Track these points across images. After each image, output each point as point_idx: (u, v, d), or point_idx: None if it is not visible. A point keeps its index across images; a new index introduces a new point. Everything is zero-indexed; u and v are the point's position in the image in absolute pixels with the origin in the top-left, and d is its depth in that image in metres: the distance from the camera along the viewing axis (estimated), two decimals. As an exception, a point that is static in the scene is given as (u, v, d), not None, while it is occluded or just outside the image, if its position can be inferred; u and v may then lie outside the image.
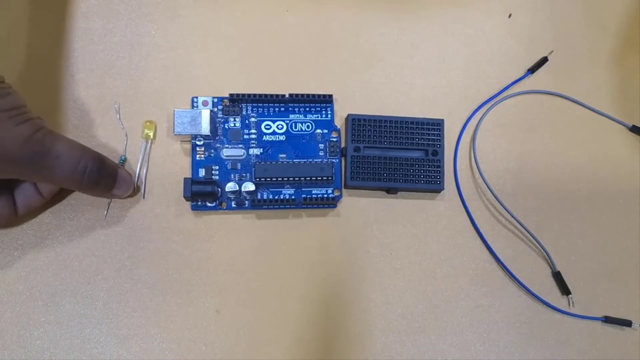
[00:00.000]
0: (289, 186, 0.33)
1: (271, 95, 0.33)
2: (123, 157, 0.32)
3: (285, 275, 0.32)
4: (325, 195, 0.33)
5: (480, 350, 0.32)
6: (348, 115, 0.34)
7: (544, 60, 0.37)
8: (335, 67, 0.35)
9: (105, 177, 0.29)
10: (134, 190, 0.32)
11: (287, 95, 0.33)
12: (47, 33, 0.34)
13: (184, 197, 0.32)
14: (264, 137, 0.33)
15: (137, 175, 0.32)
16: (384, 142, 0.33)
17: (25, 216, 0.31)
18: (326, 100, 0.34)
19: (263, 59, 0.35)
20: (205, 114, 0.32)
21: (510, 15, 0.37)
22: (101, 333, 0.31)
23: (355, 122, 0.33)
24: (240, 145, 0.33)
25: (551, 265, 0.34)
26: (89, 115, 0.33)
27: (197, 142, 0.33)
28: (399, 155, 0.33)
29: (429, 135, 0.34)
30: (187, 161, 0.33)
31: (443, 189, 0.34)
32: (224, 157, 0.33)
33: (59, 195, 0.31)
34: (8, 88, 0.26)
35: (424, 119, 0.34)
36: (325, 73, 0.35)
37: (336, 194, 0.33)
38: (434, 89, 0.36)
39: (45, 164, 0.27)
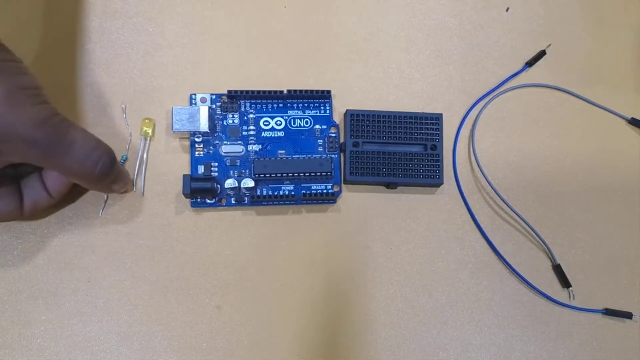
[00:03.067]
0: (288, 182, 0.33)
1: (269, 92, 0.33)
2: (125, 156, 0.32)
3: (285, 271, 0.32)
4: (325, 191, 0.33)
5: (481, 343, 0.32)
6: (346, 110, 0.34)
7: (542, 53, 0.37)
8: (334, 63, 0.35)
9: (114, 172, 0.29)
10: (130, 185, 0.32)
11: (285, 92, 0.33)
12: (45, 32, 0.34)
13: (183, 194, 0.32)
14: (263, 134, 0.33)
15: (136, 172, 0.32)
16: (383, 137, 0.33)
17: (32, 214, 0.30)
18: (324, 96, 0.34)
19: (261, 56, 0.35)
20: (204, 111, 0.32)
21: (508, 9, 0.37)
22: (102, 331, 0.31)
23: (354, 118, 0.33)
24: (239, 142, 0.33)
25: (551, 258, 0.34)
26: (87, 113, 0.33)
27: (196, 139, 0.33)
28: (398, 150, 0.33)
29: (427, 130, 0.34)
30: (186, 158, 0.33)
31: (442, 183, 0.34)
32: (223, 154, 0.33)
33: (68, 197, 0.31)
34: (26, 68, 0.26)
35: (423, 113, 0.34)
36: (323, 69, 0.35)
37: (335, 189, 0.33)
38: (432, 84, 0.36)
39: (58, 150, 0.26)
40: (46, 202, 0.29)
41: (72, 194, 0.31)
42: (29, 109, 0.25)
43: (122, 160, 0.32)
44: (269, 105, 0.34)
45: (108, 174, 0.28)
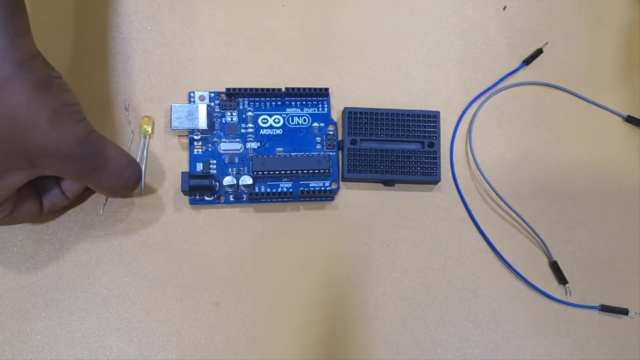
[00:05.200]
0: (286, 179, 0.33)
1: (268, 90, 0.33)
2: None
3: (283, 267, 0.32)
4: (323, 188, 0.33)
5: (478, 339, 0.33)
6: (344, 108, 0.34)
7: (539, 51, 0.37)
8: (332, 61, 0.35)
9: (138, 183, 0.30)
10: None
11: (283, 90, 0.33)
12: (43, 31, 0.34)
13: (182, 191, 0.32)
14: (261, 131, 0.33)
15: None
16: (381, 134, 0.34)
17: (49, 215, 0.31)
18: (322, 94, 0.34)
19: (259, 54, 0.35)
20: (202, 109, 0.32)
21: (505, 8, 0.38)
22: (101, 327, 0.31)
23: (352, 115, 0.34)
24: (238, 139, 0.33)
25: (548, 255, 0.34)
26: (86, 112, 0.33)
27: (195, 137, 0.33)
28: (395, 148, 0.34)
29: (425, 128, 0.34)
30: (184, 156, 0.33)
31: (440, 180, 0.34)
32: (222, 151, 0.33)
33: (82, 197, 0.31)
34: (67, 84, 0.26)
35: (420, 111, 0.34)
36: (321, 67, 0.35)
37: (333, 186, 0.33)
38: (430, 82, 0.36)
39: (94, 167, 0.27)
40: (62, 203, 0.30)
41: (86, 193, 0.32)
42: (72, 127, 0.25)
43: None
44: (267, 103, 0.34)
45: (137, 186, 0.30)
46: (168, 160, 0.33)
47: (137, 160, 0.33)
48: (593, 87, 0.37)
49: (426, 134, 0.34)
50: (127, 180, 0.29)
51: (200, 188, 0.32)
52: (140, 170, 0.30)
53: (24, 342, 0.30)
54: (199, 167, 0.33)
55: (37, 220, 0.31)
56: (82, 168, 0.26)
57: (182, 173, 0.32)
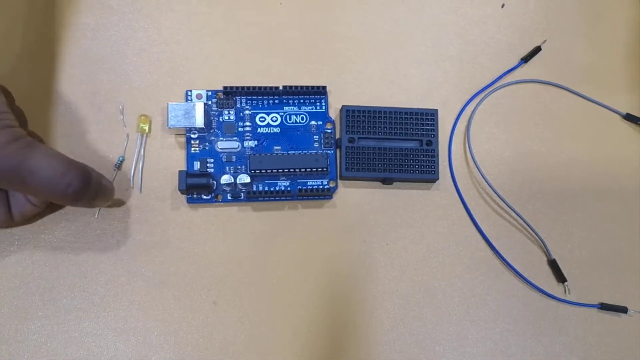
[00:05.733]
0: (284, 178, 0.33)
1: (265, 88, 0.33)
2: (121, 158, 0.32)
3: (281, 266, 0.32)
4: (321, 187, 0.33)
5: (477, 338, 0.32)
6: (342, 106, 0.34)
7: (537, 49, 0.37)
8: (329, 59, 0.35)
9: (91, 192, 0.28)
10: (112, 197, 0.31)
11: (281, 88, 0.33)
12: (40, 28, 0.34)
13: (179, 189, 0.32)
14: (259, 130, 0.33)
15: (132, 169, 0.33)
16: (379, 132, 0.34)
17: (24, 223, 0.31)
18: (320, 92, 0.34)
19: (257, 52, 0.35)
20: (199, 107, 0.32)
21: (503, 6, 0.37)
22: (98, 326, 0.31)
23: (350, 114, 0.34)
24: (235, 138, 0.33)
25: (547, 253, 0.34)
26: (82, 111, 0.33)
27: (192, 135, 0.33)
28: (393, 146, 0.33)
29: (423, 126, 0.34)
30: (182, 154, 0.33)
31: (438, 178, 0.34)
32: (219, 150, 0.33)
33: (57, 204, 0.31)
34: None
35: (418, 109, 0.34)
36: (319, 65, 0.35)
37: (331, 185, 0.33)
38: (428, 80, 0.36)
39: (18, 178, 0.25)
40: (33, 211, 0.29)
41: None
42: None
43: (118, 163, 0.32)
44: (265, 102, 0.34)
45: (81, 196, 0.27)
46: (165, 159, 0.33)
47: (135, 159, 0.32)
48: (592, 85, 0.37)
49: (424, 132, 0.34)
50: (63, 189, 0.26)
51: (197, 187, 0.31)
52: (81, 177, 0.27)
53: (21, 341, 0.30)
54: (197, 165, 0.32)
55: (13, 226, 0.31)
56: (5, 180, 0.25)
57: (180, 172, 0.31)
